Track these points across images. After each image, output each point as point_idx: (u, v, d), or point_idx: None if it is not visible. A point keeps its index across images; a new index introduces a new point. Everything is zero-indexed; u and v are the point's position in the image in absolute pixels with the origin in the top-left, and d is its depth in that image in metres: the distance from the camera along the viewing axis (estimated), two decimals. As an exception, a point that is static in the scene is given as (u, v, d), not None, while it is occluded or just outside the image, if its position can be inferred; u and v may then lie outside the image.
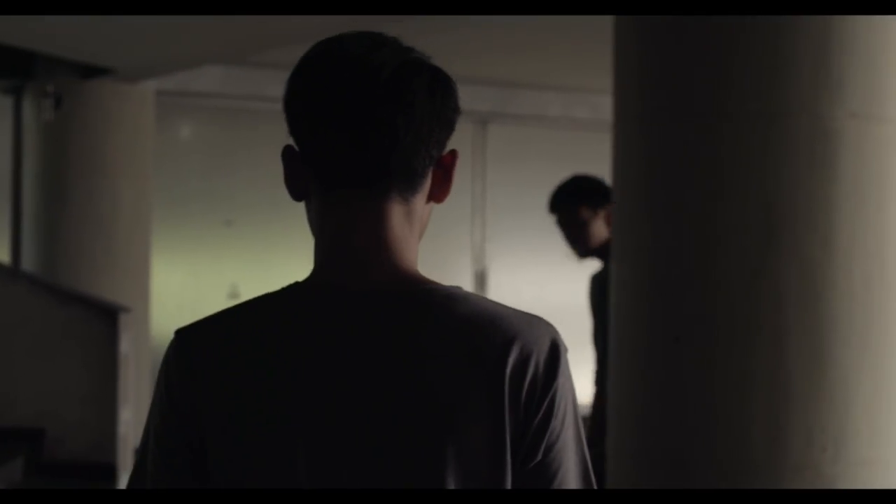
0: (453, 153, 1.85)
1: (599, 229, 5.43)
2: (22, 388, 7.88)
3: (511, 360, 1.71)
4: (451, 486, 1.68)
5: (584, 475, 1.79)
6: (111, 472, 7.73)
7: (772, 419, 3.85)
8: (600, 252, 5.41)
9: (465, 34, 8.73)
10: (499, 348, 1.71)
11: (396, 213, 1.79)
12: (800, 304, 3.85)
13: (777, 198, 3.84)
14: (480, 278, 11.74)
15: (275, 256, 10.27)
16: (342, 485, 1.70)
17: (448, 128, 1.82)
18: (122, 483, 7.74)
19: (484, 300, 1.78)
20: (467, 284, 11.67)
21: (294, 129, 1.80)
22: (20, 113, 9.68)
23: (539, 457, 1.73)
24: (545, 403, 1.73)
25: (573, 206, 5.48)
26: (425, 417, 1.69)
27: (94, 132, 9.31)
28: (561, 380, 1.75)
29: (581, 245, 5.49)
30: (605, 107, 11.89)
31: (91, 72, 9.12)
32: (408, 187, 1.79)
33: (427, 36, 8.51)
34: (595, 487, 1.80)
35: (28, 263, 9.40)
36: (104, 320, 7.86)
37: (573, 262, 11.94)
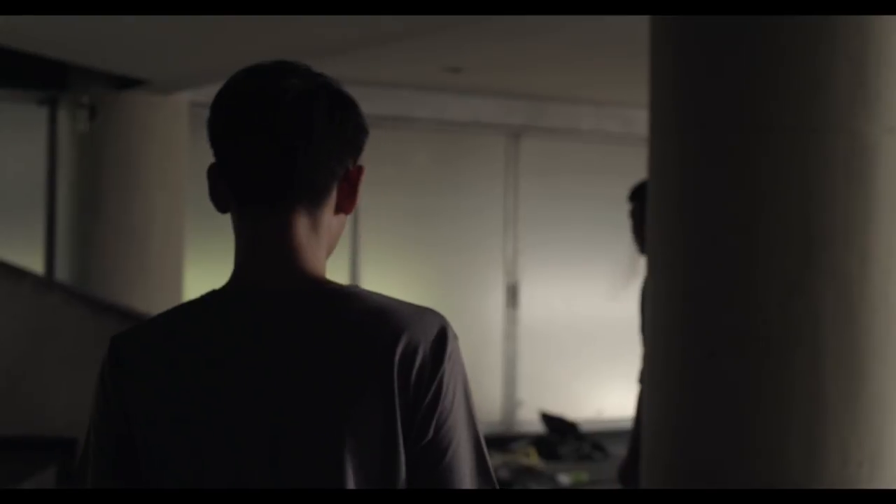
0: (359, 168, 2.00)
1: None
2: (55, 398, 7.90)
3: (399, 350, 1.86)
4: (350, 468, 1.85)
5: (476, 450, 1.93)
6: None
7: (807, 436, 3.84)
8: None
9: (499, 49, 8.75)
10: (389, 339, 1.86)
11: (301, 224, 1.95)
12: (836, 320, 3.83)
13: (814, 213, 3.83)
14: (512, 291, 11.73)
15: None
16: (250, 475, 1.88)
17: (351, 145, 1.98)
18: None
19: (380, 297, 1.93)
20: (499, 297, 11.66)
21: (213, 148, 1.99)
22: (55, 124, 9.74)
23: (430, 435, 1.88)
24: (433, 387, 1.87)
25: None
26: (323, 406, 1.86)
27: (129, 143, 9.35)
28: (448, 364, 1.89)
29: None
30: (637, 120, 11.95)
31: (125, 83, 9.17)
32: (311, 201, 1.95)
33: (459, 49, 8.52)
34: (487, 461, 1.95)
35: (62, 274, 9.44)
36: (137, 331, 7.85)
37: (605, 276, 11.89)
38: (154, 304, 8.99)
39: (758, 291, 3.87)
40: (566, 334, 11.89)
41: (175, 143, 9.54)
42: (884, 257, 3.85)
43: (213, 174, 2.00)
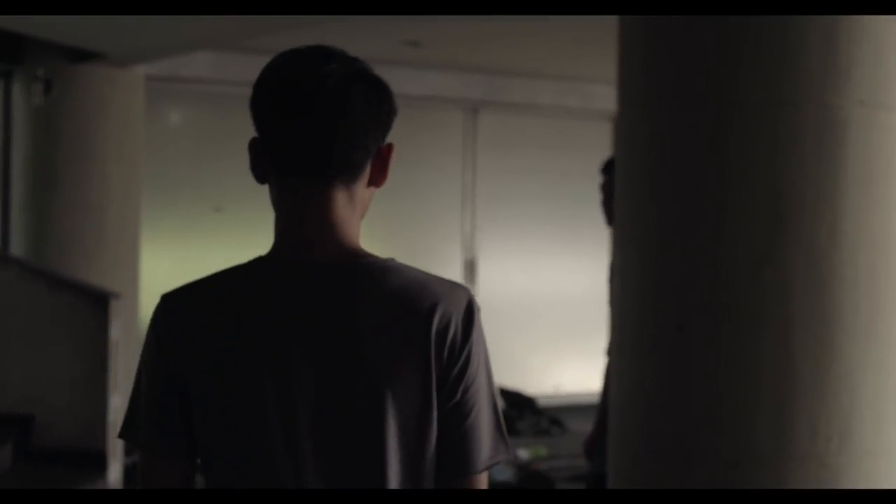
0: (390, 146, 2.20)
1: None
2: (11, 374, 7.83)
3: (436, 320, 2.08)
4: (391, 423, 2.06)
5: (494, 411, 2.17)
6: (101, 458, 7.67)
7: (776, 409, 3.82)
8: None
9: (456, 22, 8.69)
10: (426, 310, 2.08)
11: (340, 198, 2.14)
12: (806, 293, 3.82)
13: (784, 186, 3.81)
14: (470, 267, 11.71)
15: (264, 242, 10.12)
16: (295, 432, 2.07)
17: (384, 127, 2.18)
18: (112, 469, 7.70)
19: (414, 270, 2.15)
20: (457, 273, 11.64)
21: (257, 125, 2.17)
22: (9, 98, 9.62)
23: (458, 397, 2.10)
24: (464, 354, 2.10)
25: None
26: (367, 369, 2.07)
27: (84, 117, 9.25)
28: (475, 335, 2.12)
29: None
30: (596, 95, 11.97)
31: (81, 56, 9.05)
32: (349, 176, 2.15)
33: (418, 24, 8.46)
34: (502, 422, 2.19)
35: (17, 249, 9.34)
36: (95, 307, 7.80)
37: (563, 251, 11.89)
38: (110, 278, 8.93)
39: (727, 264, 3.85)
40: (524, 309, 11.90)
41: (131, 116, 9.45)
42: (853, 230, 3.83)
43: (256, 148, 2.18)
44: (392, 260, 2.16)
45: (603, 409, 5.50)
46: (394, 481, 2.09)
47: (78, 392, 7.75)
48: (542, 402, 11.49)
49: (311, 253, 2.12)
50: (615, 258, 4.26)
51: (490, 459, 2.16)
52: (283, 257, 2.13)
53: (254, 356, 2.08)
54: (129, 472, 8.02)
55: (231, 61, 9.89)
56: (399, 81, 11.11)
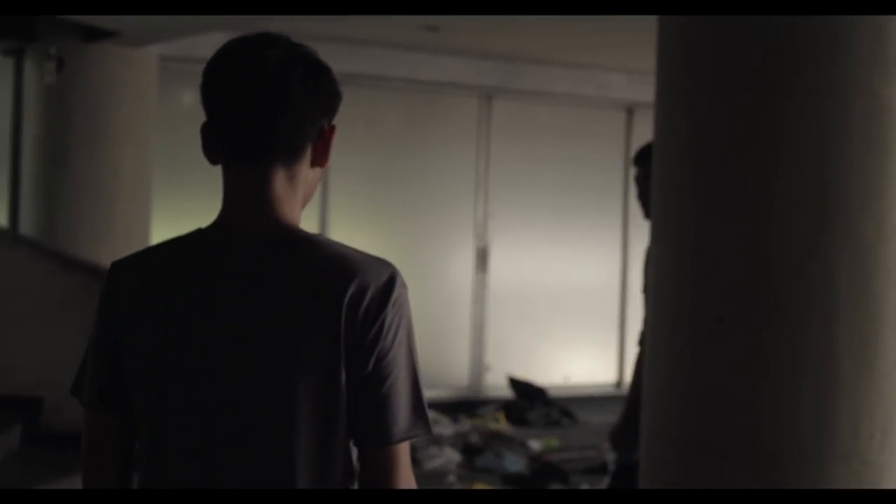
0: (332, 128, 2.28)
1: None
2: (20, 356, 7.72)
3: (350, 292, 2.14)
4: (299, 392, 2.14)
5: (413, 388, 2.21)
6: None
7: (818, 406, 3.74)
8: None
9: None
10: (342, 282, 2.14)
11: (279, 177, 2.23)
12: (851, 286, 3.73)
13: (831, 177, 3.72)
14: (482, 255, 11.60)
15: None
16: (211, 397, 2.18)
17: (324, 108, 2.26)
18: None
19: (342, 246, 2.22)
20: (468, 261, 11.53)
21: (205, 109, 2.26)
22: (21, 76, 9.53)
23: (370, 367, 2.15)
24: (376, 325, 2.15)
25: None
26: (278, 338, 2.15)
27: (97, 97, 9.14)
28: (392, 308, 2.17)
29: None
30: (611, 84, 11.87)
31: (94, 35, 8.93)
32: (288, 157, 2.23)
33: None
34: (423, 400, 2.23)
35: (26, 228, 9.24)
36: (106, 288, 7.68)
37: (576, 241, 11.78)
38: (121, 261, 8.81)
39: (770, 255, 3.75)
40: (535, 299, 11.80)
41: (144, 97, 9.33)
42: (900, 223, 3.74)
43: (206, 131, 2.27)
44: (321, 235, 2.24)
45: (633, 398, 5.38)
46: (304, 446, 2.17)
47: (88, 375, 7.63)
48: (551, 393, 11.40)
49: (244, 226, 2.22)
50: (651, 249, 4.15)
51: (407, 432, 2.20)
52: (218, 228, 2.25)
53: (173, 320, 2.21)
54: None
55: (245, 42, 9.64)
56: (414, 67, 11.10)
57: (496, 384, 11.53)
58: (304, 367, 2.14)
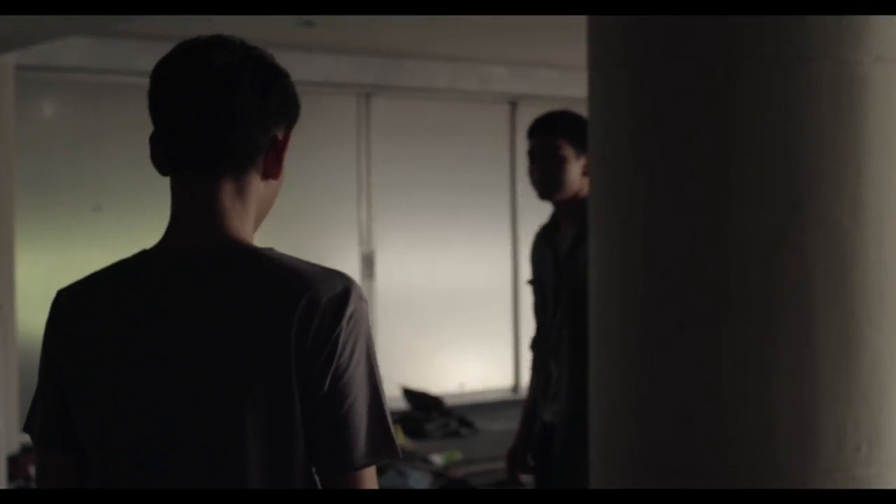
0: (286, 137, 2.17)
1: (574, 178, 4.64)
2: None
3: (299, 308, 2.02)
4: (249, 419, 2.02)
5: (374, 408, 2.07)
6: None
7: (797, 415, 3.31)
8: (566, 207, 4.66)
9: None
10: (291, 298, 2.03)
11: (226, 189, 2.13)
12: (827, 280, 3.31)
13: (799, 155, 3.29)
14: (368, 261, 11.25)
15: (147, 242, 9.55)
16: (156, 427, 2.07)
17: (276, 115, 2.14)
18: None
19: (294, 259, 2.11)
20: (354, 268, 11.17)
21: (151, 118, 2.16)
22: None
23: (326, 388, 2.03)
24: (329, 343, 2.03)
25: (555, 137, 4.64)
26: (226, 361, 2.03)
27: (-53, 111, 8.57)
28: (348, 324, 2.05)
29: (549, 185, 4.66)
30: (493, 77, 11.57)
31: (-58, 43, 8.34)
32: (236, 168, 2.13)
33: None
34: (387, 420, 2.09)
35: None
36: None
37: (464, 242, 11.41)
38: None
39: (735, 248, 3.31)
40: (425, 304, 11.55)
41: (1, 110, 8.82)
42: (877, 204, 3.33)
43: (153, 141, 2.17)
44: (272, 249, 2.14)
45: (529, 411, 4.91)
46: (256, 479, 2.05)
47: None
48: (447, 402, 11.06)
49: (188, 241, 2.12)
50: (593, 245, 3.68)
51: (369, 457, 2.07)
52: (163, 246, 2.15)
53: (115, 345, 2.11)
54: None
55: (108, 47, 9.32)
56: (287, 65, 10.51)
57: (389, 396, 10.99)
58: (254, 393, 2.02)
